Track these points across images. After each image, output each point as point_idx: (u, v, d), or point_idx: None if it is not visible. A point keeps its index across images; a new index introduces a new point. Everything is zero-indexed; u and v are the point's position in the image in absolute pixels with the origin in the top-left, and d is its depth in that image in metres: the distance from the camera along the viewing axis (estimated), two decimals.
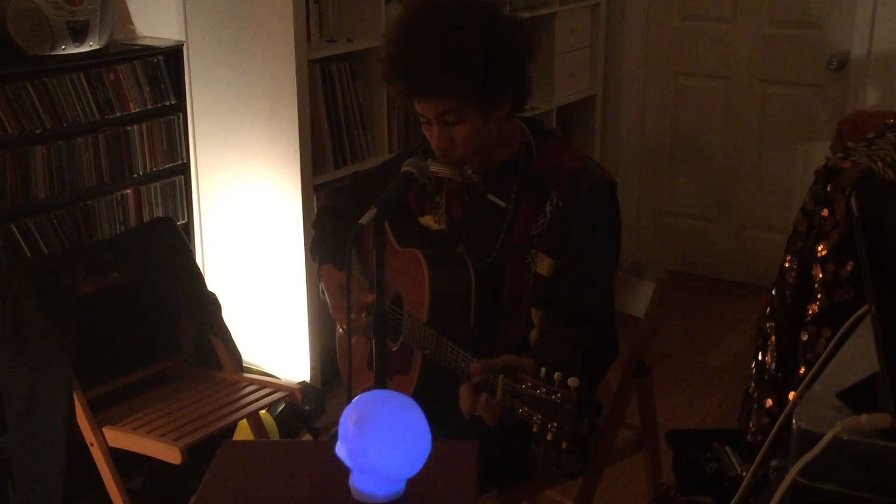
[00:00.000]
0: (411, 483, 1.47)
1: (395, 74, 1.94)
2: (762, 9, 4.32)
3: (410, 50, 1.90)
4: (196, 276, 2.94)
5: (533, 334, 2.02)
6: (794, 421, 1.17)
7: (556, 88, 4.29)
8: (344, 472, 1.47)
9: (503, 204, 2.05)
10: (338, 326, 2.34)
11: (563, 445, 1.55)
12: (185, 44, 3.20)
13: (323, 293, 2.31)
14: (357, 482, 1.46)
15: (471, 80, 1.88)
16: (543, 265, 1.99)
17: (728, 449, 2.75)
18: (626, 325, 2.28)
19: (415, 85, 1.92)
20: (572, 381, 1.55)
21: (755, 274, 4.47)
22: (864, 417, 1.13)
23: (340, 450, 1.43)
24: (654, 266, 4.76)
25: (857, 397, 1.19)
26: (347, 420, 1.42)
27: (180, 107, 3.14)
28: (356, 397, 1.47)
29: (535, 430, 1.58)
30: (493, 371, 1.69)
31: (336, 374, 2.57)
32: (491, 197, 2.05)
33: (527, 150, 2.06)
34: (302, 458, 1.66)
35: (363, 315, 2.10)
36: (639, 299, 2.28)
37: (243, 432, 2.96)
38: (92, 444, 2.60)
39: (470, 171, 2.02)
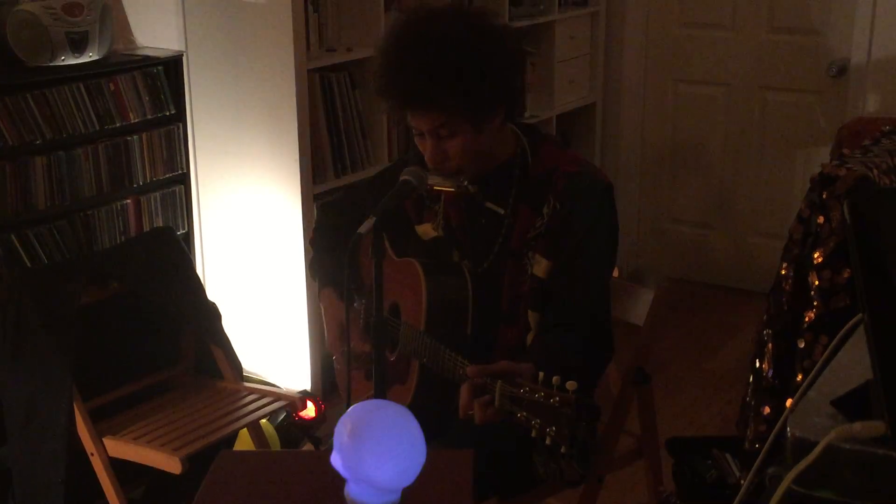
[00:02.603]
0: (407, 493, 1.47)
1: (387, 89, 1.94)
2: (762, 15, 4.32)
3: (402, 64, 1.90)
4: (196, 286, 2.95)
5: (530, 337, 2.02)
6: (788, 429, 1.17)
7: (555, 96, 4.30)
8: (339, 482, 1.47)
9: (502, 211, 2.05)
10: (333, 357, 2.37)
11: (562, 450, 1.55)
12: (184, 53, 3.21)
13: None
14: (352, 492, 1.45)
15: (463, 94, 1.88)
16: (540, 267, 2.00)
17: (728, 456, 2.76)
18: (627, 332, 2.28)
19: (407, 100, 1.92)
20: (570, 385, 1.55)
21: (756, 281, 4.46)
22: (857, 425, 1.13)
23: (335, 460, 1.43)
24: (654, 273, 4.76)
25: (851, 405, 1.19)
26: (342, 430, 1.42)
27: (180, 117, 3.15)
28: (351, 407, 1.47)
29: (533, 434, 1.58)
30: (491, 376, 1.69)
31: (336, 383, 2.57)
32: (489, 205, 2.06)
33: (522, 155, 2.06)
34: (297, 468, 1.66)
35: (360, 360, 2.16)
36: (639, 306, 2.28)
37: (244, 442, 2.96)
38: (92, 454, 2.60)
39: (466, 182, 2.02)
